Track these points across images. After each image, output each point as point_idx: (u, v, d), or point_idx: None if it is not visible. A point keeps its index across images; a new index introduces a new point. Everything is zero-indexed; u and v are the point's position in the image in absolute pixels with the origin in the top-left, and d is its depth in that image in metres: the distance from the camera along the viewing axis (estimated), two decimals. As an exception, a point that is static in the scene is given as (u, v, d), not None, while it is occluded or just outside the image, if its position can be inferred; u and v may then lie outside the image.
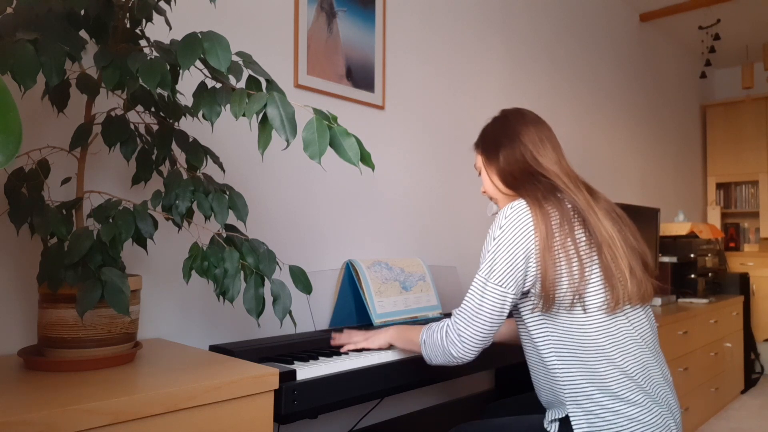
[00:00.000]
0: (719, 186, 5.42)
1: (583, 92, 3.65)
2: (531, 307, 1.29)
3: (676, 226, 3.92)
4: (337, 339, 1.59)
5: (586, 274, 1.24)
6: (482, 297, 1.25)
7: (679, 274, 3.63)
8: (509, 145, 1.41)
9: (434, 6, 2.54)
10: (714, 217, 5.31)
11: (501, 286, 1.24)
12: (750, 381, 4.20)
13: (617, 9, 4.10)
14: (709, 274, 3.93)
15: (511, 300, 1.25)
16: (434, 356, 1.34)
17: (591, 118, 3.72)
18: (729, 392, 3.79)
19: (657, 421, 1.23)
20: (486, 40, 2.84)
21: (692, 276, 3.67)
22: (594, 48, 3.79)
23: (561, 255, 1.23)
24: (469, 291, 1.29)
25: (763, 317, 4.58)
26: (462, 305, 1.29)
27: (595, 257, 1.25)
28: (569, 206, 1.29)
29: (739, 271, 4.48)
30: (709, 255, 3.87)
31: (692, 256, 3.64)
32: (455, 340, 1.28)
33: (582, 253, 1.25)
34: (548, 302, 1.23)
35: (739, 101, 5.27)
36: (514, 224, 1.26)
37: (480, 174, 1.51)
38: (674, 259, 3.50)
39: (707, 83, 5.64)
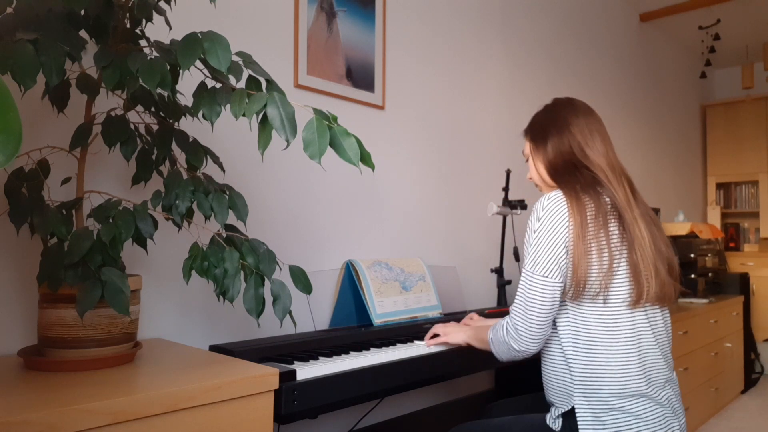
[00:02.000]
0: (719, 186, 5.42)
1: (582, 92, 3.65)
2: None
3: (676, 226, 3.92)
4: (430, 332, 1.67)
5: (614, 266, 1.26)
6: (531, 290, 1.29)
7: (679, 274, 3.62)
8: (557, 135, 1.42)
9: (434, 6, 2.54)
10: (714, 217, 5.31)
11: (547, 277, 1.27)
12: (750, 381, 4.20)
13: (617, 9, 4.10)
14: (709, 274, 3.93)
15: (559, 288, 1.28)
16: (502, 353, 1.38)
17: (591, 118, 3.72)
18: (729, 392, 3.79)
19: (660, 421, 1.24)
20: (486, 40, 2.84)
21: (692, 276, 3.67)
22: (594, 48, 3.79)
23: (593, 245, 1.26)
24: (519, 286, 1.33)
25: (763, 317, 4.58)
26: (515, 301, 1.33)
27: (625, 253, 1.28)
28: (607, 200, 1.32)
29: (739, 271, 4.48)
30: (709, 255, 3.87)
31: (692, 256, 3.64)
32: (515, 336, 1.32)
33: (613, 246, 1.27)
34: (579, 289, 1.26)
35: (739, 101, 5.27)
36: (552, 215, 1.29)
37: (527, 161, 1.53)
38: (674, 259, 3.50)
39: (707, 83, 5.64)
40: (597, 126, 1.43)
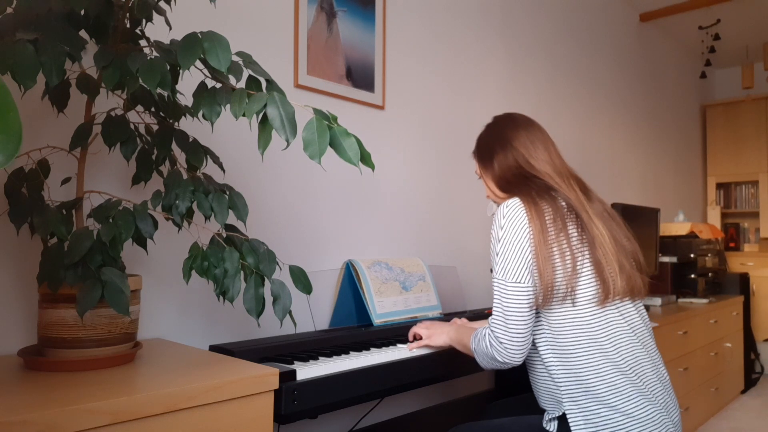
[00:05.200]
0: (719, 186, 5.42)
1: (582, 92, 3.65)
2: None
3: (676, 226, 3.92)
4: (409, 333, 1.66)
5: (578, 267, 1.28)
6: (507, 299, 1.28)
7: (679, 274, 3.63)
8: (502, 152, 1.46)
9: (434, 6, 2.54)
10: (714, 217, 5.31)
11: (520, 282, 1.27)
12: (750, 381, 4.20)
13: (617, 9, 4.10)
14: (709, 274, 3.93)
15: (532, 292, 1.28)
16: (486, 363, 1.37)
17: (591, 118, 3.72)
18: (729, 392, 3.79)
19: (652, 417, 1.24)
20: (486, 40, 2.84)
21: (692, 276, 3.67)
22: (594, 48, 3.79)
23: (554, 248, 1.27)
24: (494, 297, 1.32)
25: (763, 317, 4.58)
26: (493, 312, 1.33)
27: (587, 252, 1.29)
28: (563, 204, 1.34)
29: (739, 271, 4.48)
30: (709, 255, 3.86)
31: (692, 256, 3.64)
32: (498, 347, 1.30)
33: (574, 247, 1.29)
34: (547, 295, 1.26)
35: (739, 101, 5.27)
36: (513, 221, 1.30)
37: (480, 178, 1.56)
38: (674, 259, 3.50)
39: (707, 83, 5.64)
40: (538, 135, 1.47)
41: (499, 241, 1.31)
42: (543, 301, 1.27)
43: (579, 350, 1.26)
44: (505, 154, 1.45)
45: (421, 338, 1.62)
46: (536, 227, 1.28)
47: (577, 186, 1.40)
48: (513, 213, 1.31)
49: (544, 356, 1.31)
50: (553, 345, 1.29)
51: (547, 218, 1.29)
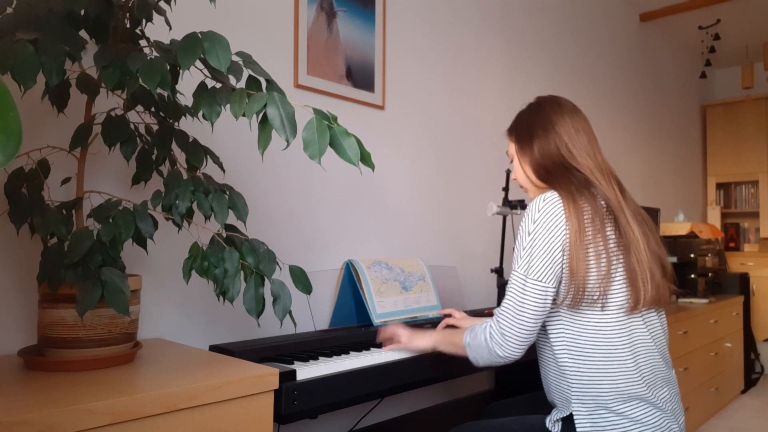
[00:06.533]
0: (719, 186, 5.42)
1: (582, 92, 3.65)
2: (555, 300, 1.28)
3: (676, 226, 3.92)
4: (382, 334, 1.58)
5: (612, 271, 1.23)
6: (523, 294, 1.24)
7: (679, 274, 3.62)
8: (543, 136, 1.38)
9: (434, 6, 2.54)
10: (714, 217, 5.31)
11: (541, 281, 1.23)
12: (750, 381, 4.20)
13: (617, 9, 4.10)
14: (709, 274, 3.93)
15: (552, 293, 1.24)
16: (480, 358, 1.32)
17: (590, 118, 3.71)
18: (729, 392, 3.79)
19: (659, 424, 1.23)
20: (486, 40, 2.84)
21: (692, 276, 3.67)
22: (594, 48, 3.79)
23: (590, 250, 1.22)
24: (509, 289, 1.27)
25: (763, 317, 4.58)
26: (503, 304, 1.28)
27: (621, 257, 1.25)
28: (602, 203, 1.28)
29: (739, 271, 4.47)
30: (709, 255, 3.87)
31: (692, 256, 3.64)
32: (500, 341, 1.26)
33: (610, 251, 1.24)
34: (578, 296, 1.22)
35: (739, 101, 5.27)
36: (548, 217, 1.24)
37: (512, 161, 1.48)
38: (674, 259, 3.50)
39: (707, 83, 5.64)
40: (583, 125, 1.40)
41: (530, 234, 1.25)
42: (572, 302, 1.23)
43: (596, 355, 1.24)
44: (547, 138, 1.36)
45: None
46: (573, 226, 1.22)
47: (616, 185, 1.34)
48: (550, 208, 1.25)
49: (558, 355, 1.28)
50: (570, 346, 1.26)
51: (585, 217, 1.24)
